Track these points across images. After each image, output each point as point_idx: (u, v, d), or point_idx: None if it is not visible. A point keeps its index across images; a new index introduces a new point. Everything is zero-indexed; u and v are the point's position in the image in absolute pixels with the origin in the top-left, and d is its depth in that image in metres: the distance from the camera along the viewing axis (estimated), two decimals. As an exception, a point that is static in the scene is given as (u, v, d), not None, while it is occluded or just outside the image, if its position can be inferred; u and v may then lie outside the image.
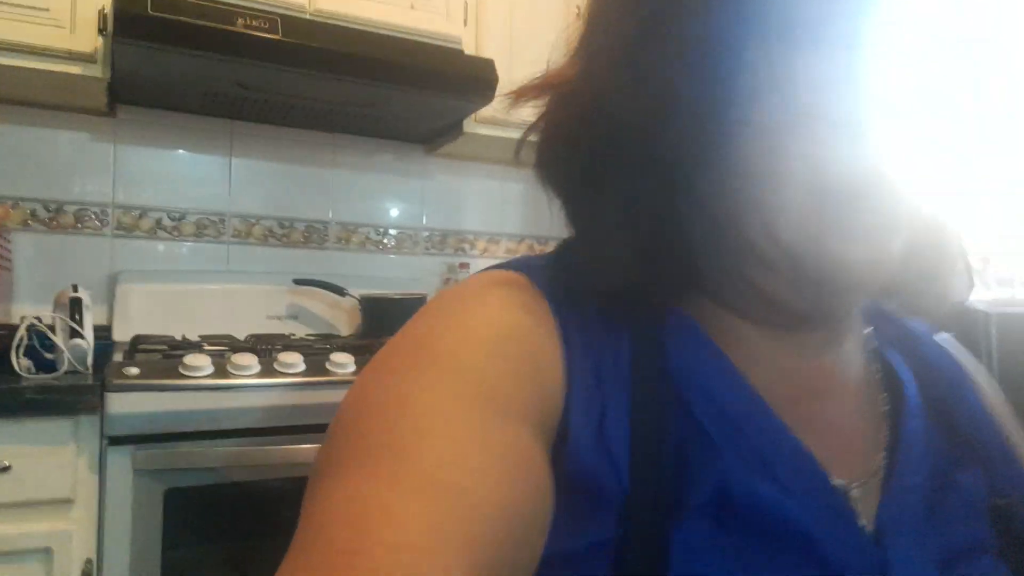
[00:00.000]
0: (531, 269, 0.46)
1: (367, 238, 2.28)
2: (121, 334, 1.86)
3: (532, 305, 0.42)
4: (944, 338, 0.57)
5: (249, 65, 1.63)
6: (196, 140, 2.04)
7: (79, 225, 1.91)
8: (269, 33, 1.58)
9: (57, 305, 1.66)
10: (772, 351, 0.45)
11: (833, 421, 0.45)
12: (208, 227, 2.06)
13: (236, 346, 1.70)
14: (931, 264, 0.46)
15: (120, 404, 1.31)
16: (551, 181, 0.47)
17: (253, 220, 2.12)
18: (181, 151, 2.03)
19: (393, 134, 2.27)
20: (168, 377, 1.36)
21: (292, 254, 2.16)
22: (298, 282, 2.04)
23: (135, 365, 1.38)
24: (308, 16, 1.81)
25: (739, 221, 0.41)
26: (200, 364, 1.38)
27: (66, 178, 1.90)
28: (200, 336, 1.85)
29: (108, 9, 1.62)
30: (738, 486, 0.39)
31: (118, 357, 1.66)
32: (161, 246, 2.00)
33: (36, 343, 1.55)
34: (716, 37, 0.38)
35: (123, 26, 1.47)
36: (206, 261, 2.05)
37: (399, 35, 1.89)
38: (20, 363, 1.48)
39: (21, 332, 1.51)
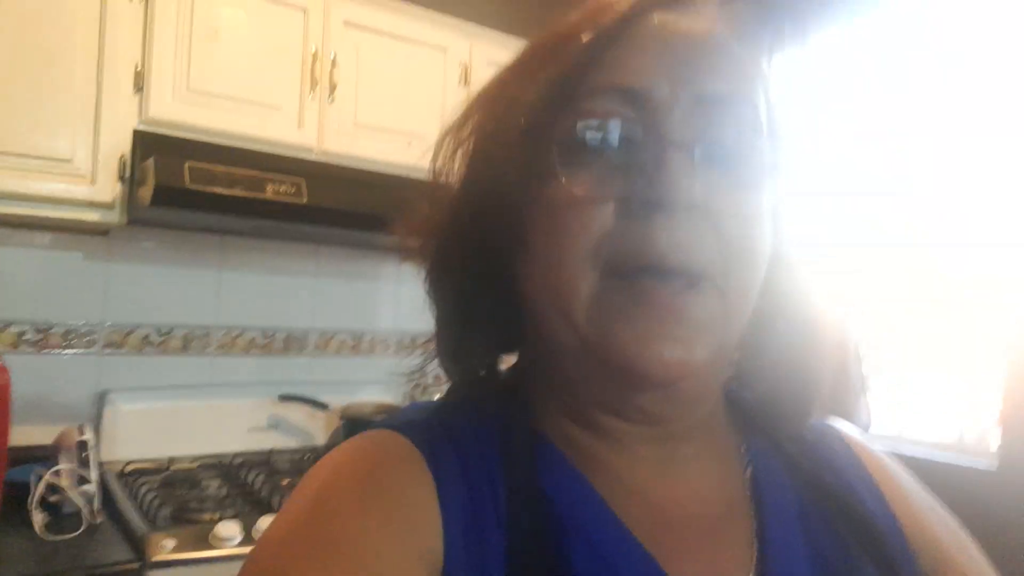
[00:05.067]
0: (409, 425, 0.47)
1: (343, 343, 2.37)
2: (108, 452, 1.88)
3: (402, 470, 0.44)
4: (842, 429, 0.57)
5: (274, 222, 1.71)
6: (188, 256, 2.07)
7: (68, 344, 1.91)
8: (295, 198, 1.66)
9: (62, 445, 1.68)
10: (629, 472, 0.47)
11: (695, 550, 0.45)
12: (194, 340, 2.10)
13: (232, 476, 1.78)
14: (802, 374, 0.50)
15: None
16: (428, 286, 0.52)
17: (237, 332, 2.17)
18: (173, 267, 2.05)
19: (373, 245, 2.36)
20: (203, 548, 1.43)
21: (272, 362, 2.23)
22: (283, 398, 2.12)
23: (169, 536, 1.44)
24: (314, 157, 1.89)
25: (545, 307, 0.44)
26: (231, 534, 1.46)
27: (58, 298, 1.89)
28: (190, 459, 1.92)
29: (128, 157, 1.66)
30: None
31: (115, 488, 1.71)
32: (148, 362, 2.02)
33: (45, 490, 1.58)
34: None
35: (162, 197, 1.52)
36: (190, 374, 2.09)
37: (399, 173, 1.96)
38: (37, 519, 1.51)
39: (40, 490, 1.53)
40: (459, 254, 0.49)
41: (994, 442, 1.86)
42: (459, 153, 0.50)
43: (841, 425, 0.58)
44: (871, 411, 1.90)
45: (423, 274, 0.52)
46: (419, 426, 0.47)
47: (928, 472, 0.64)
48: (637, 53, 0.43)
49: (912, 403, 2.14)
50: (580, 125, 0.42)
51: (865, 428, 1.87)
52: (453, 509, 0.42)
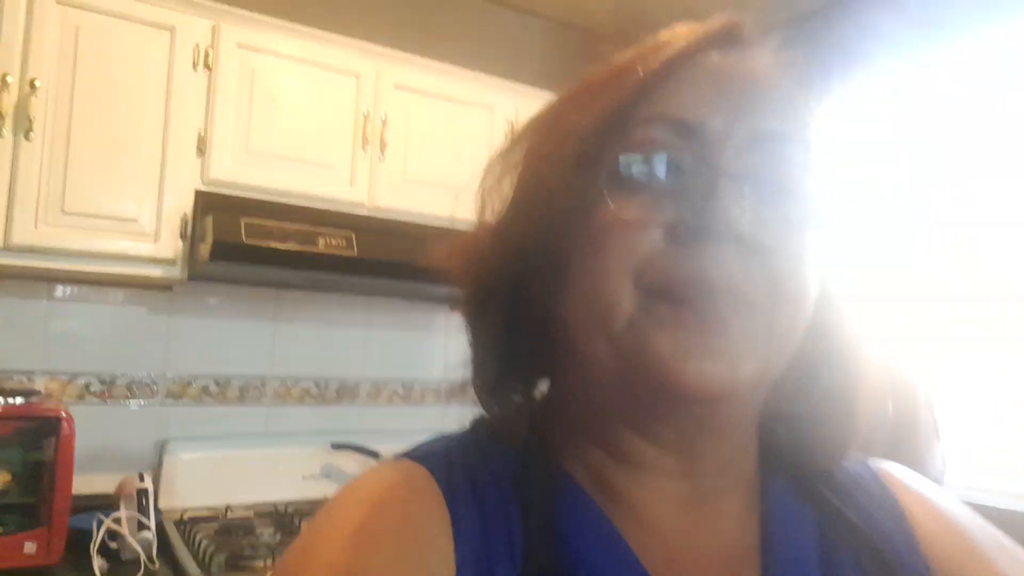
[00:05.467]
0: (431, 458, 0.48)
1: (394, 393, 2.41)
2: (167, 500, 1.93)
3: (423, 505, 0.44)
4: (881, 467, 0.55)
5: (326, 274, 1.77)
6: (245, 309, 2.15)
7: (131, 395, 1.99)
8: (346, 251, 1.72)
9: (122, 493, 1.74)
10: (651, 508, 0.46)
11: None
12: (250, 391, 2.16)
13: (285, 524, 1.81)
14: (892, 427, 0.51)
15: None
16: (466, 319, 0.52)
17: (292, 382, 2.23)
18: (231, 320, 2.14)
19: (422, 296, 2.41)
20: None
21: (326, 411, 2.28)
22: (336, 446, 2.16)
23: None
24: (365, 212, 1.96)
25: (582, 322, 0.44)
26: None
27: (123, 351, 1.98)
28: (246, 506, 1.96)
29: (189, 216, 1.75)
30: None
31: (173, 535, 1.75)
32: (206, 411, 2.09)
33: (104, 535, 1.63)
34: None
35: (220, 251, 1.59)
36: (247, 423, 2.15)
37: (447, 225, 2.02)
38: (97, 564, 1.56)
39: (101, 536, 1.59)
40: (501, 276, 0.49)
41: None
42: (506, 179, 0.51)
43: (884, 464, 0.56)
44: (946, 459, 1.82)
45: (463, 298, 0.52)
46: (440, 459, 0.48)
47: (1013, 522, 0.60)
48: (692, 88, 0.44)
49: (992, 452, 2.04)
50: (631, 153, 0.43)
51: (939, 476, 1.79)
52: (466, 548, 0.43)
